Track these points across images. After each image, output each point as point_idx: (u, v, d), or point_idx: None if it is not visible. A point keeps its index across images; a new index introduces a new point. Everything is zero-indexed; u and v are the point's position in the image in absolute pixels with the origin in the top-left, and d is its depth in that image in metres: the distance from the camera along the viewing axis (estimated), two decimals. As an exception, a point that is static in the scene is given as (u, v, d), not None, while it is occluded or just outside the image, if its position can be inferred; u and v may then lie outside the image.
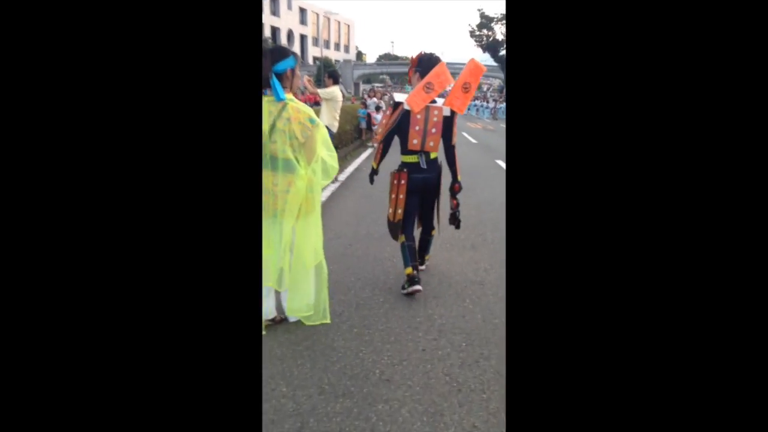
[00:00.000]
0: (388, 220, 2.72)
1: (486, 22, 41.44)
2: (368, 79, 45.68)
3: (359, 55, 58.54)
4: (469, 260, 3.31)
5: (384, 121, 2.65)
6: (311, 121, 2.06)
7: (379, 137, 2.67)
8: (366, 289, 2.75)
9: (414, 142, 2.56)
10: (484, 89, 54.21)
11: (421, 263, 2.94)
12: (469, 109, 29.22)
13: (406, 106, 2.53)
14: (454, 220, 2.81)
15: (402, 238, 2.69)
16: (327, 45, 45.89)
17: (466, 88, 2.55)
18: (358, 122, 10.38)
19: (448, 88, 2.68)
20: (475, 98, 33.91)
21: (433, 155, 2.64)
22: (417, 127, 2.54)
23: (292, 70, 2.10)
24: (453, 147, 2.67)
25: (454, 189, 2.72)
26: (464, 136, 13.85)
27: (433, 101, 2.54)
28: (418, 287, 2.58)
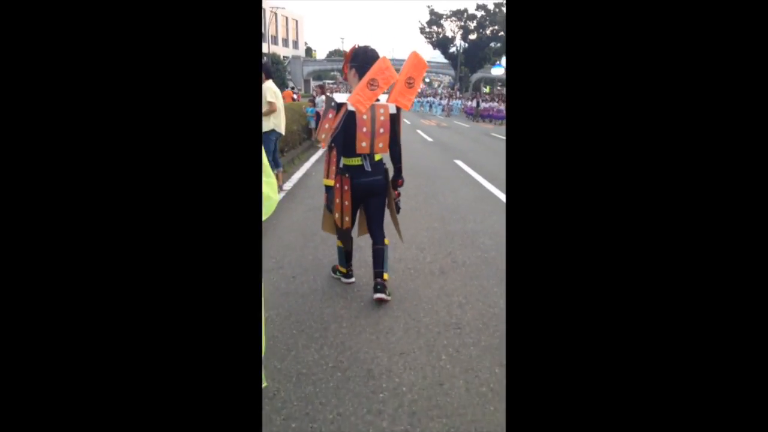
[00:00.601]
0: (336, 227, 2.55)
1: (435, 18, 41.53)
2: (319, 75, 44.82)
3: (308, 51, 57.18)
4: (438, 292, 2.72)
5: (326, 125, 2.32)
6: None
7: (323, 144, 2.36)
8: (311, 348, 2.09)
9: (363, 144, 2.32)
10: (435, 86, 54.82)
11: (381, 289, 2.52)
12: (422, 105, 29.39)
13: (350, 107, 2.26)
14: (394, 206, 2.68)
15: (339, 242, 2.67)
16: (275, 41, 44.21)
17: (410, 84, 2.36)
18: (306, 122, 9.62)
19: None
20: (427, 95, 33.93)
21: (377, 157, 2.44)
22: (364, 129, 2.30)
23: None
24: (398, 145, 2.46)
25: (398, 183, 2.58)
26: (419, 134, 13.38)
27: (377, 99, 2.31)
28: (351, 280, 2.76)
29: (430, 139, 11.93)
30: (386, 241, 2.62)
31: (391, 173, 2.57)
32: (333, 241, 3.34)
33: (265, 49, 40.59)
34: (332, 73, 46.04)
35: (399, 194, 2.67)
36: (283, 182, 5.47)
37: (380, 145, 2.35)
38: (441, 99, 28.87)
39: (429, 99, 29.84)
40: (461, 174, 6.74)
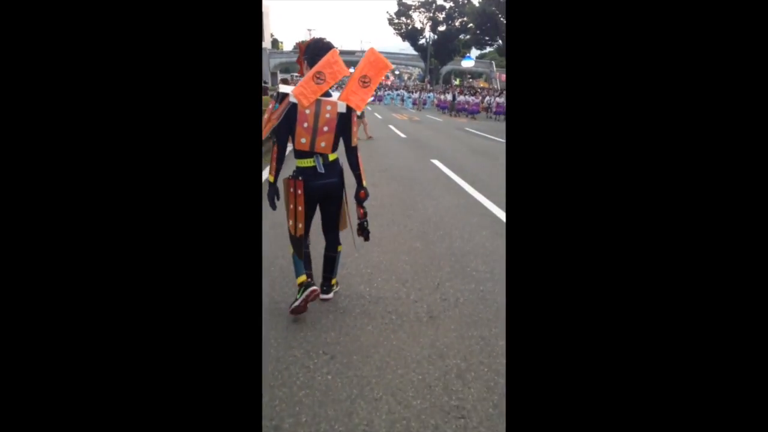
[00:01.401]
0: (290, 233, 2.33)
1: (404, 9, 40.84)
2: (287, 68, 43.52)
3: (275, 43, 55.53)
4: (430, 351, 2.09)
5: (266, 116, 2.14)
6: None
7: (263, 135, 2.06)
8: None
9: (302, 141, 2.17)
10: (405, 78, 54.27)
11: (327, 290, 2.54)
12: (392, 99, 28.74)
13: (292, 99, 2.11)
14: (362, 231, 2.43)
15: (291, 250, 2.37)
16: (238, 32, 42.59)
17: (365, 82, 2.17)
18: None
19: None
20: (397, 88, 33.31)
21: (332, 157, 2.26)
22: (305, 124, 2.14)
23: None
24: (354, 149, 2.26)
25: (360, 196, 2.35)
26: (392, 129, 12.74)
27: (327, 94, 2.16)
28: (313, 288, 2.29)
29: (403, 136, 11.29)
30: (340, 248, 2.53)
31: (349, 177, 2.32)
32: (293, 276, 2.67)
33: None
34: (300, 66, 44.88)
35: (365, 213, 2.40)
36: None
37: (322, 144, 2.17)
38: (412, 93, 28.27)
39: (400, 92, 29.25)
40: (440, 177, 6.13)
